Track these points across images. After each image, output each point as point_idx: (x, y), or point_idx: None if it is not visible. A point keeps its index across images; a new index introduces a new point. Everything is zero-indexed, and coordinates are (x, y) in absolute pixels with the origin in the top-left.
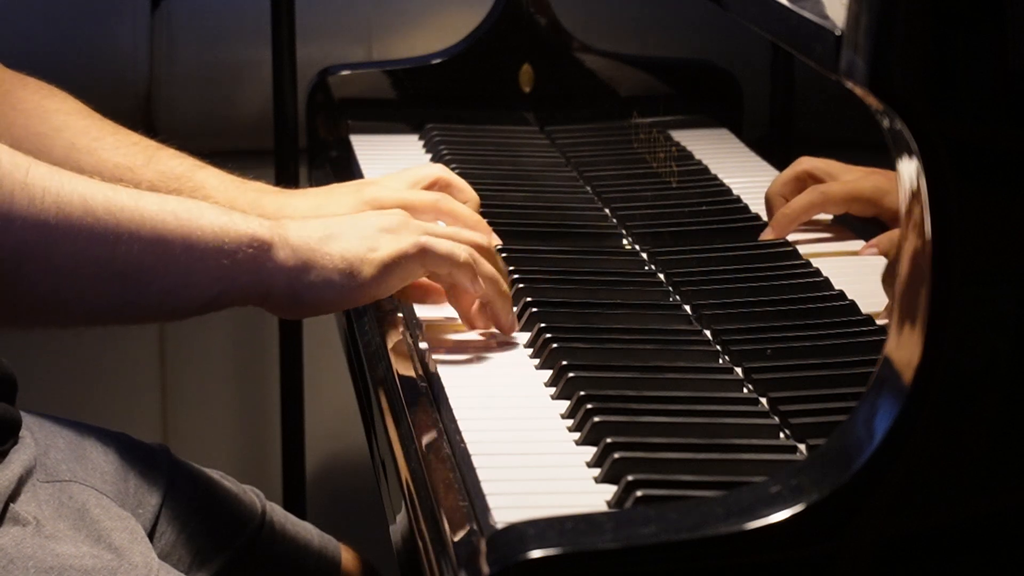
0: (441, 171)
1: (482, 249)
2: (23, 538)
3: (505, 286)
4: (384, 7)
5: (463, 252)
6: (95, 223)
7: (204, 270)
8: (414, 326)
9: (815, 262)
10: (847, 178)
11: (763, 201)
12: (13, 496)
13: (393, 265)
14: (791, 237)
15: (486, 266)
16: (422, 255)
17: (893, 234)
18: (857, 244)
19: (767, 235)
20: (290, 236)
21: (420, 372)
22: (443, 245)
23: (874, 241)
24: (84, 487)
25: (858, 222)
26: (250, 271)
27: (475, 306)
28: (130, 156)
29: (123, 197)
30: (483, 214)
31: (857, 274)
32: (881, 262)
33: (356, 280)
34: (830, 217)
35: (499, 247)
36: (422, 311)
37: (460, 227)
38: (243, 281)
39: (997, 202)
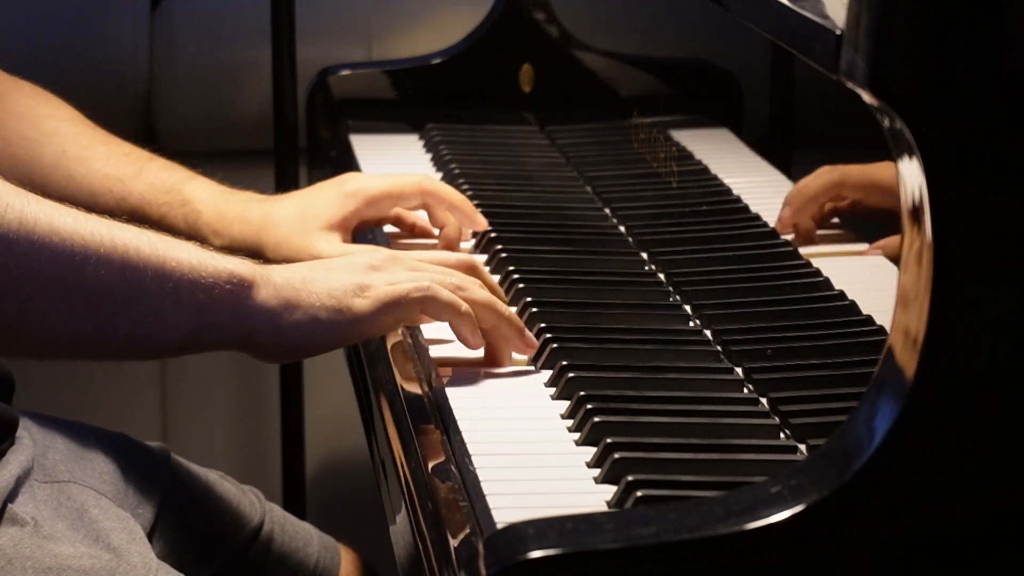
0: (424, 177)
1: (470, 269)
2: (21, 538)
3: (504, 308)
4: (384, 7)
5: (464, 305)
6: (60, 243)
7: (178, 303)
8: (414, 326)
9: (815, 262)
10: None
11: (763, 201)
12: (11, 496)
13: (392, 305)
14: (791, 237)
15: (480, 293)
16: (423, 301)
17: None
18: (857, 245)
19: (784, 218)
20: (273, 276)
21: (420, 373)
22: (445, 295)
23: (880, 243)
24: (83, 487)
25: (859, 223)
26: (228, 309)
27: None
28: (120, 167)
29: (94, 223)
30: (483, 214)
31: (857, 274)
32: (882, 262)
33: (346, 316)
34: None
35: (500, 248)
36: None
37: (445, 209)
38: (220, 320)
39: (997, 202)
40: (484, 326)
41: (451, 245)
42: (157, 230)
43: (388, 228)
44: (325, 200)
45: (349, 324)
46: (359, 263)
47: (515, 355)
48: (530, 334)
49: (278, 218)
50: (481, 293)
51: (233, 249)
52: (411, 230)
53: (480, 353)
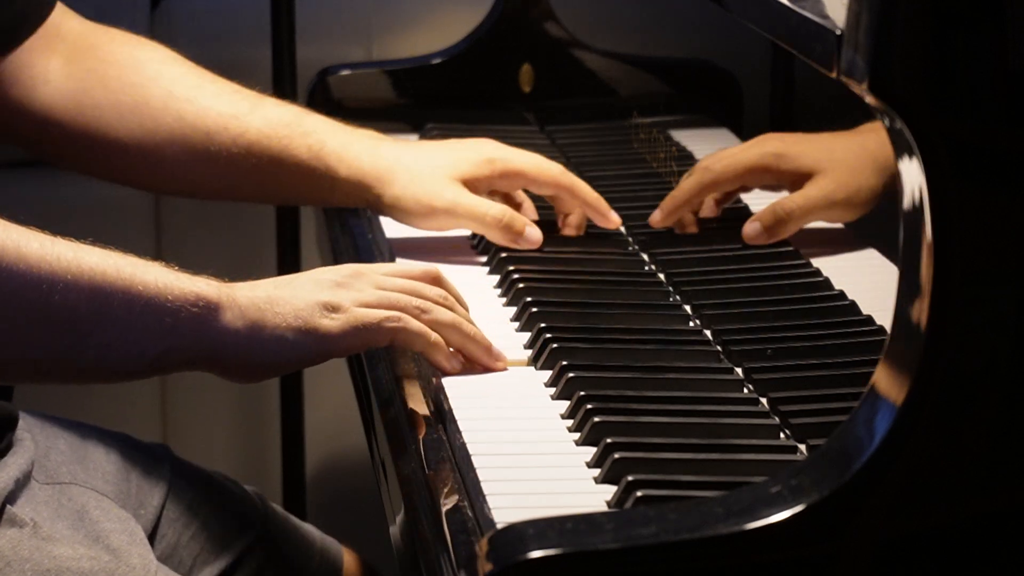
0: (564, 171)
1: (434, 280)
2: (20, 540)
3: (469, 327)
4: (384, 7)
5: (433, 335)
6: (27, 269)
7: (144, 327)
8: None
9: (815, 262)
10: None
11: (763, 201)
12: (11, 498)
13: (362, 329)
14: (791, 237)
15: (445, 315)
16: (393, 332)
17: (774, 205)
18: (858, 246)
19: (653, 220)
20: (238, 297)
21: (420, 373)
22: (415, 325)
23: (756, 215)
24: (84, 489)
25: (859, 224)
26: (194, 331)
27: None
28: (233, 104)
29: (61, 248)
30: None
31: (857, 274)
32: (882, 262)
33: (312, 336)
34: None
35: (500, 248)
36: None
37: (578, 205)
38: (187, 342)
39: (997, 202)
40: (451, 346)
41: (572, 231)
42: (278, 166)
43: (390, 235)
44: (462, 156)
45: (316, 343)
46: (324, 280)
47: (515, 355)
48: (496, 349)
49: (411, 159)
50: (446, 314)
51: (360, 178)
52: (515, 205)
53: None
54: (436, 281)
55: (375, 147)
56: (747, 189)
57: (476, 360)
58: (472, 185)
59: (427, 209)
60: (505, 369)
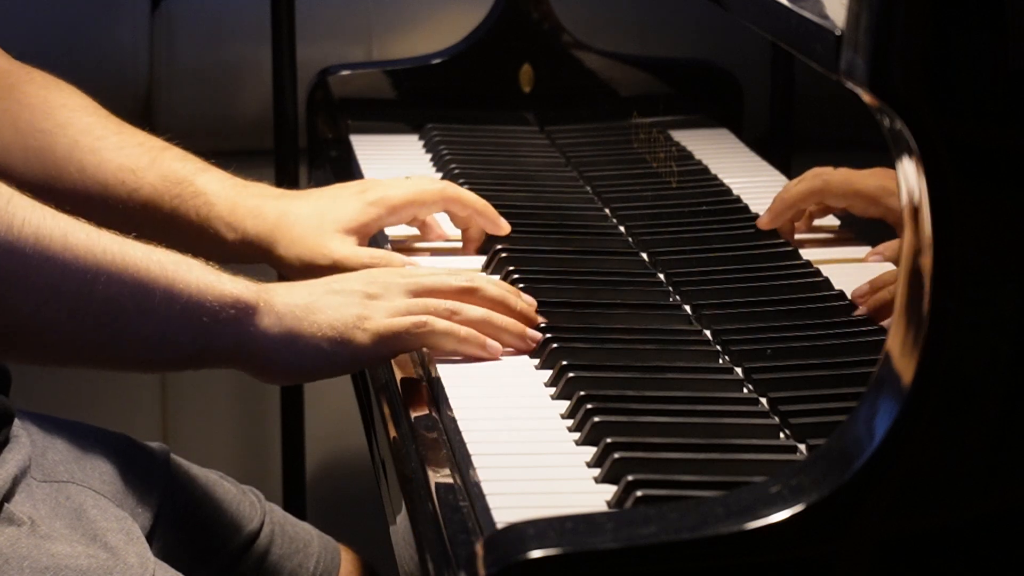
0: (447, 184)
1: (471, 291)
2: (18, 538)
3: (499, 318)
4: (384, 7)
5: (463, 330)
6: (74, 259)
7: (183, 325)
8: None
9: (815, 262)
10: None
11: (763, 201)
12: (8, 496)
13: (391, 339)
14: (791, 238)
15: (474, 312)
16: (421, 336)
17: (898, 243)
18: (857, 245)
19: (762, 222)
20: (276, 303)
21: (420, 372)
22: (441, 325)
23: (880, 248)
24: (82, 488)
25: (859, 224)
26: (231, 333)
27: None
28: (133, 157)
29: (107, 240)
30: None
31: (858, 275)
32: (882, 262)
33: (347, 348)
34: (836, 221)
35: (500, 248)
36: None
37: (471, 214)
38: (223, 342)
39: (997, 202)
40: (487, 338)
41: (474, 246)
42: (169, 225)
43: (390, 232)
44: (345, 205)
45: (350, 356)
46: (357, 291)
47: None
48: (532, 332)
49: (295, 217)
50: (475, 311)
51: (246, 242)
52: (430, 234)
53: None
54: (471, 291)
55: (259, 208)
56: (831, 210)
57: (512, 347)
58: (361, 231)
59: (310, 269)
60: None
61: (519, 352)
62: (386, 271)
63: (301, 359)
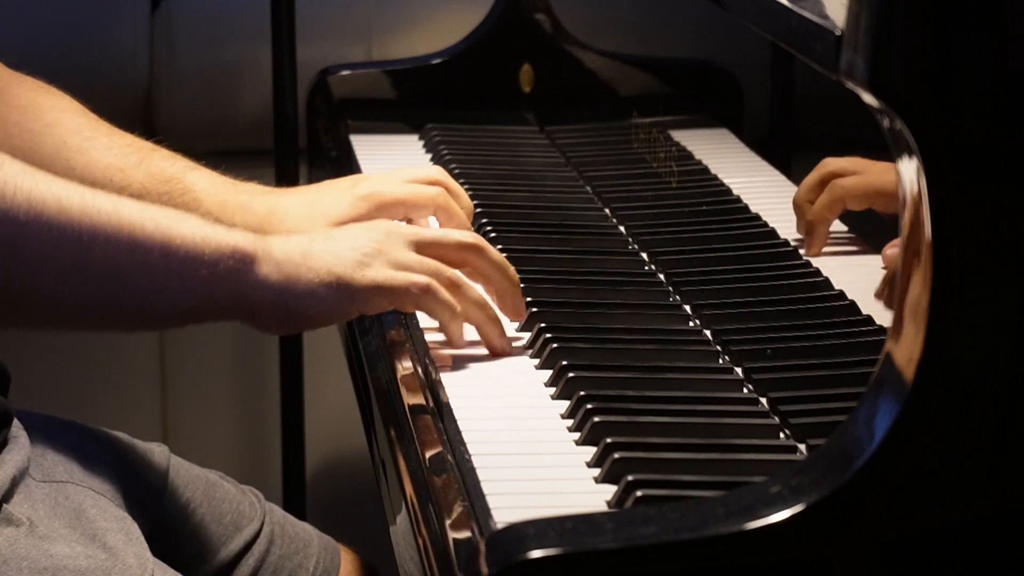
0: (439, 173)
1: (475, 248)
2: (17, 538)
3: (491, 311)
4: (384, 7)
5: (458, 306)
6: (68, 223)
7: (182, 279)
8: (414, 326)
9: (815, 262)
10: (868, 172)
11: (763, 201)
12: (6, 496)
13: (387, 291)
14: (791, 237)
15: (473, 294)
16: (419, 297)
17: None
18: (857, 245)
19: (812, 253)
20: (273, 250)
21: (420, 372)
22: (443, 295)
23: (895, 242)
24: (81, 488)
25: (860, 224)
26: (231, 284)
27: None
28: (121, 157)
29: (101, 200)
30: (483, 214)
31: (857, 274)
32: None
33: (344, 294)
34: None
35: (500, 248)
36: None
37: (454, 226)
38: (223, 293)
39: (997, 202)
40: (470, 323)
41: None
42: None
43: None
44: (336, 199)
45: (346, 299)
46: (359, 237)
47: (514, 356)
48: (506, 340)
49: (284, 212)
50: (475, 292)
51: None
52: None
53: (476, 335)
54: (475, 248)
55: (248, 203)
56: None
57: (486, 341)
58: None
59: None
60: (508, 354)
61: (493, 350)
62: (388, 222)
63: (298, 304)
